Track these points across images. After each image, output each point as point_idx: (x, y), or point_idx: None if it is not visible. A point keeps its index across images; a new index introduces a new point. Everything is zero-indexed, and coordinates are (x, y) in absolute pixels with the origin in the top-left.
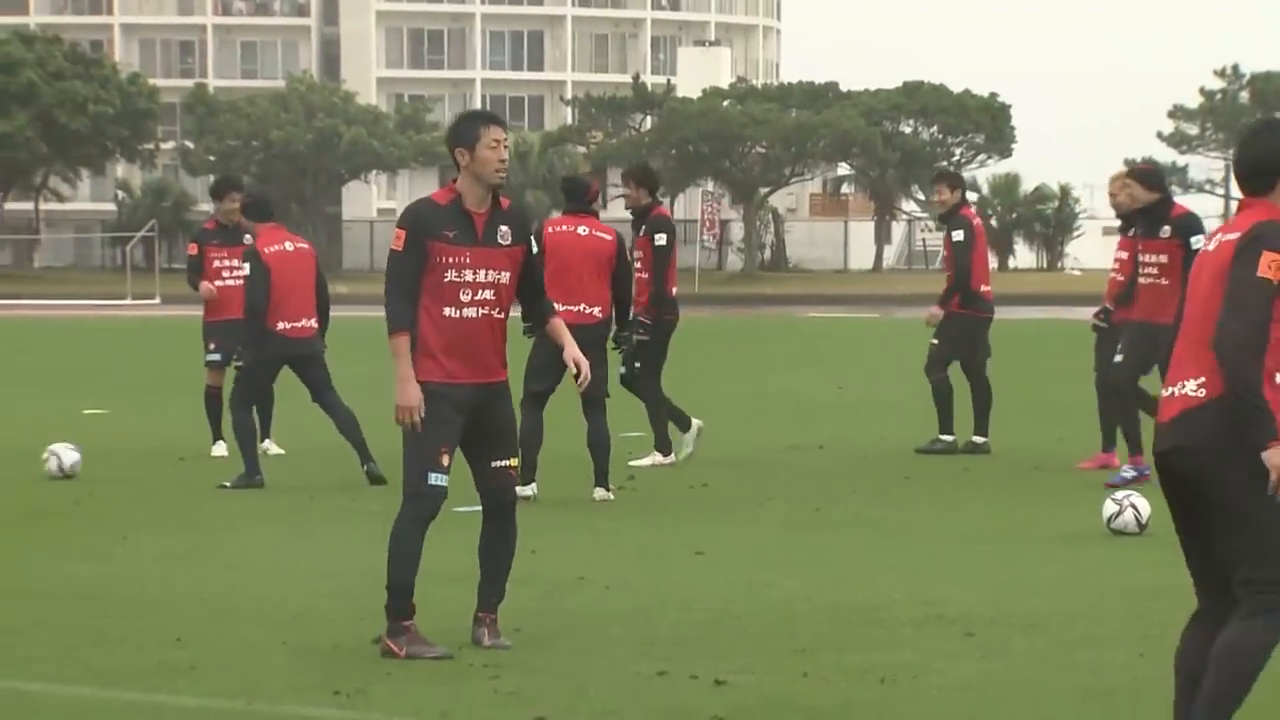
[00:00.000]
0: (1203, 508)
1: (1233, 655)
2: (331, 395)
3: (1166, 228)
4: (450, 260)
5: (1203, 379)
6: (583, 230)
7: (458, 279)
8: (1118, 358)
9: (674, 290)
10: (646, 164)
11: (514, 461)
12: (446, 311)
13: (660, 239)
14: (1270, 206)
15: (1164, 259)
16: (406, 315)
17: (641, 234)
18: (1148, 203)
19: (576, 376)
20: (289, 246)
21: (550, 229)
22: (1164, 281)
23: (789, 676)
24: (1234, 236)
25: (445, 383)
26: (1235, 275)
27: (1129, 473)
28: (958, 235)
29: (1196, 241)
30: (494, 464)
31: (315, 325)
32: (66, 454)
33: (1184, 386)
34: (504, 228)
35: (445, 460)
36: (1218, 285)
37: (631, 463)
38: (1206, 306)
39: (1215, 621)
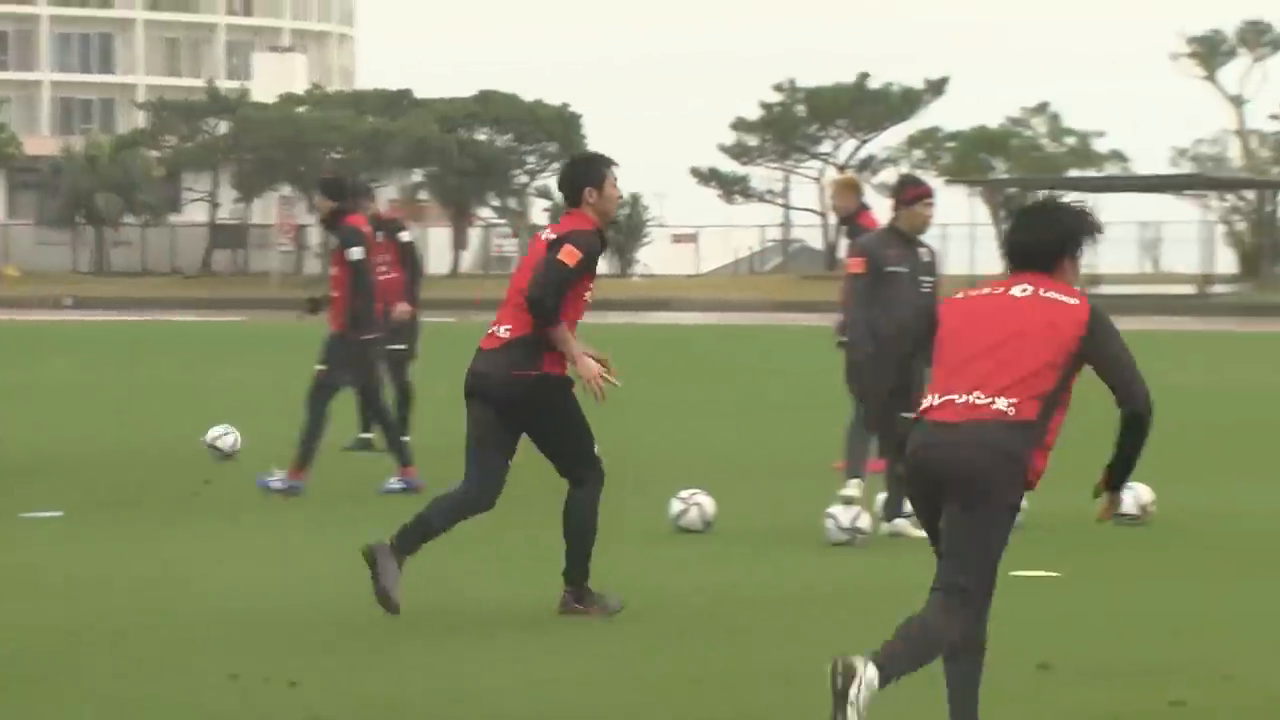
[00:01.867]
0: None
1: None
2: None
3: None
4: (590, 285)
5: (1015, 400)
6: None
7: (587, 298)
8: None
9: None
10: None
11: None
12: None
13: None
14: (1065, 284)
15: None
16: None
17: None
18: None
19: None
20: None
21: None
22: None
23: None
24: (1074, 302)
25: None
26: (1118, 348)
27: (395, 484)
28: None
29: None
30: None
31: None
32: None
33: (978, 398)
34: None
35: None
36: (1032, 329)
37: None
38: (1019, 343)
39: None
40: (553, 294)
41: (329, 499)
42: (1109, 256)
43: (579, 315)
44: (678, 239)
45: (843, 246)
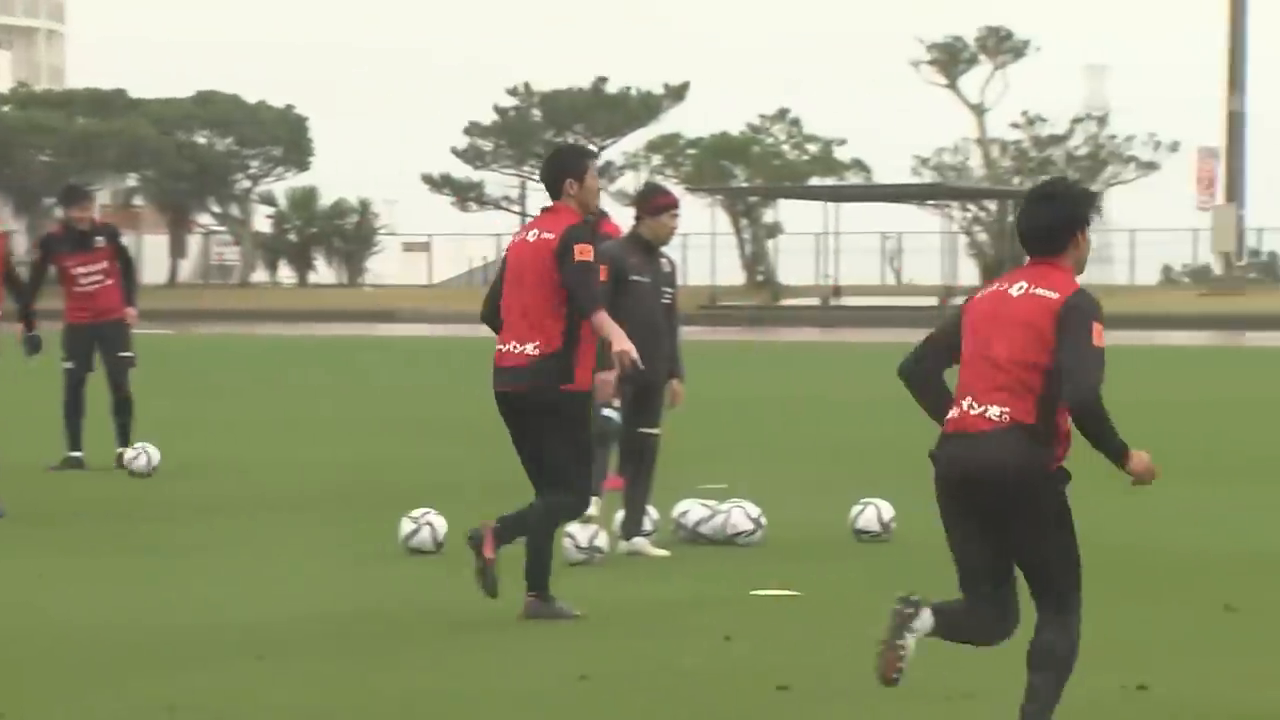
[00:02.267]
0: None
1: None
2: None
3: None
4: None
5: (1008, 409)
6: None
7: None
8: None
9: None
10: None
11: None
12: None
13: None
14: (1066, 269)
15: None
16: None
17: None
18: None
19: None
20: None
21: None
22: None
23: None
24: (1054, 295)
25: None
26: (1076, 341)
27: None
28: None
29: None
30: None
31: None
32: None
33: (985, 409)
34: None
35: None
36: (1019, 326)
37: None
38: (1009, 340)
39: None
40: (589, 288)
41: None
42: (850, 267)
43: None
44: (409, 248)
45: None
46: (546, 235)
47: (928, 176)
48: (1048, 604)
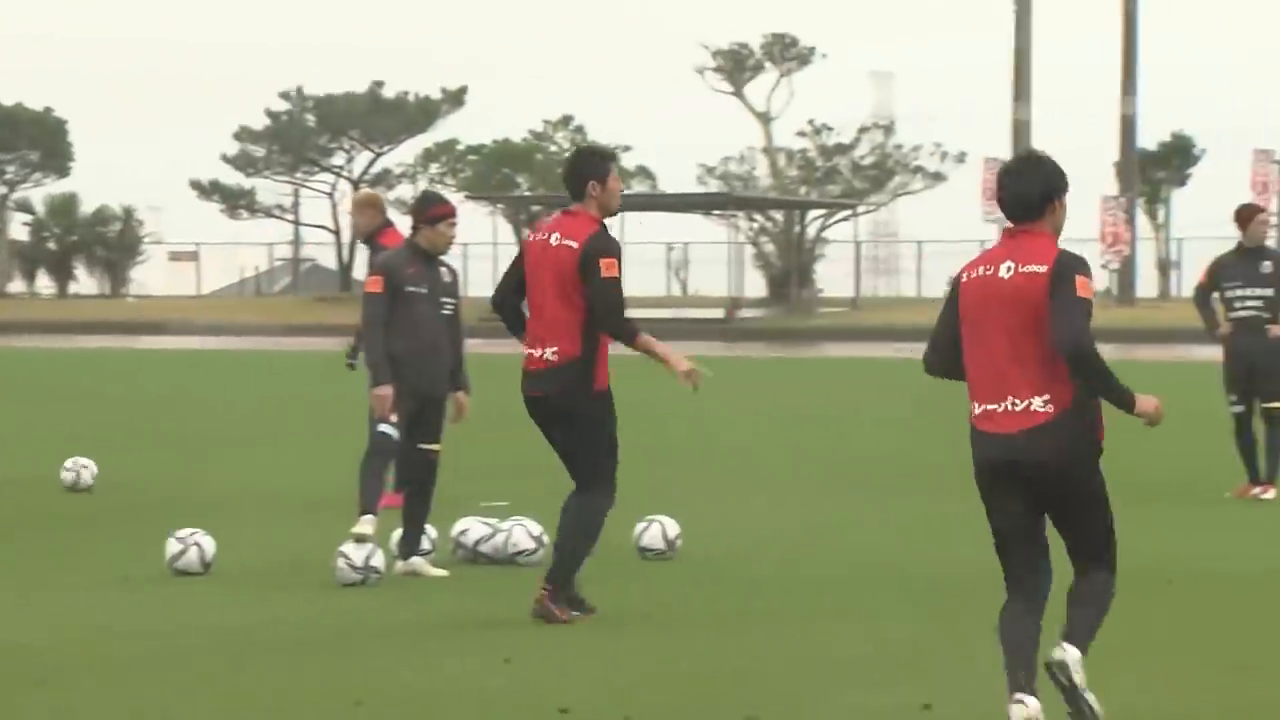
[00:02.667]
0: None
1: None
2: None
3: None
4: None
5: (1047, 395)
6: None
7: None
8: None
9: None
10: None
11: None
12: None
13: None
14: (1046, 234)
15: None
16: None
17: None
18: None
19: None
20: None
21: None
22: None
23: None
24: (1044, 269)
25: None
26: (1062, 294)
27: None
28: None
29: None
30: None
31: None
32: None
33: (1029, 404)
34: None
35: None
36: (1021, 309)
37: None
38: (1017, 331)
39: (1026, 598)
40: (618, 313)
41: None
42: (635, 278)
43: None
44: (176, 257)
45: (361, 266)
46: (568, 243)
47: (714, 186)
48: (1095, 563)
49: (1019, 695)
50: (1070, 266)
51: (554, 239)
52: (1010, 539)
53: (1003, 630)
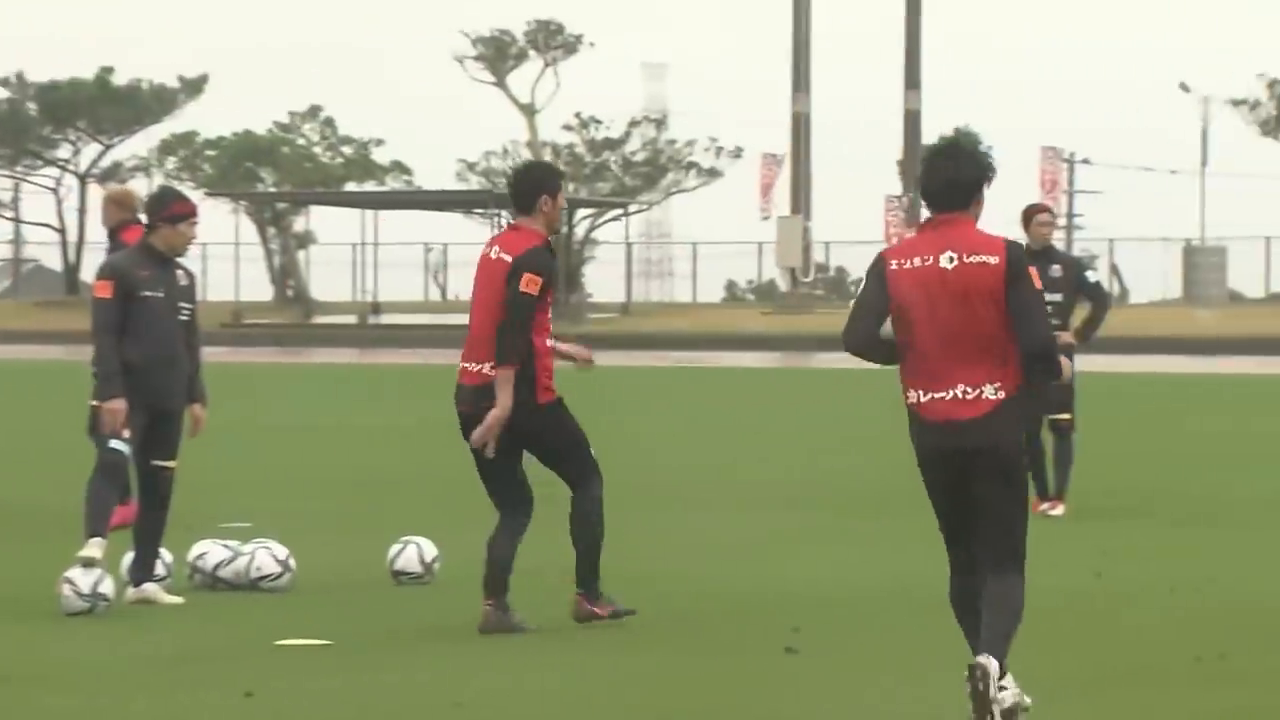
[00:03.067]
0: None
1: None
2: None
3: None
4: (551, 297)
5: (998, 383)
6: None
7: (549, 313)
8: None
9: None
10: None
11: None
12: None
13: None
14: (971, 222)
15: None
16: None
17: None
18: None
19: None
20: None
21: None
22: None
23: None
24: (995, 260)
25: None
26: (1020, 291)
27: None
28: None
29: None
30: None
31: None
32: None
33: (981, 392)
34: None
35: None
36: (971, 299)
37: None
38: (968, 321)
39: (972, 570)
40: (519, 332)
41: None
42: (390, 282)
43: (548, 330)
44: None
45: (90, 269)
46: (505, 256)
47: (474, 182)
48: (1011, 561)
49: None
50: (1022, 260)
51: (494, 252)
52: (956, 521)
53: (960, 604)
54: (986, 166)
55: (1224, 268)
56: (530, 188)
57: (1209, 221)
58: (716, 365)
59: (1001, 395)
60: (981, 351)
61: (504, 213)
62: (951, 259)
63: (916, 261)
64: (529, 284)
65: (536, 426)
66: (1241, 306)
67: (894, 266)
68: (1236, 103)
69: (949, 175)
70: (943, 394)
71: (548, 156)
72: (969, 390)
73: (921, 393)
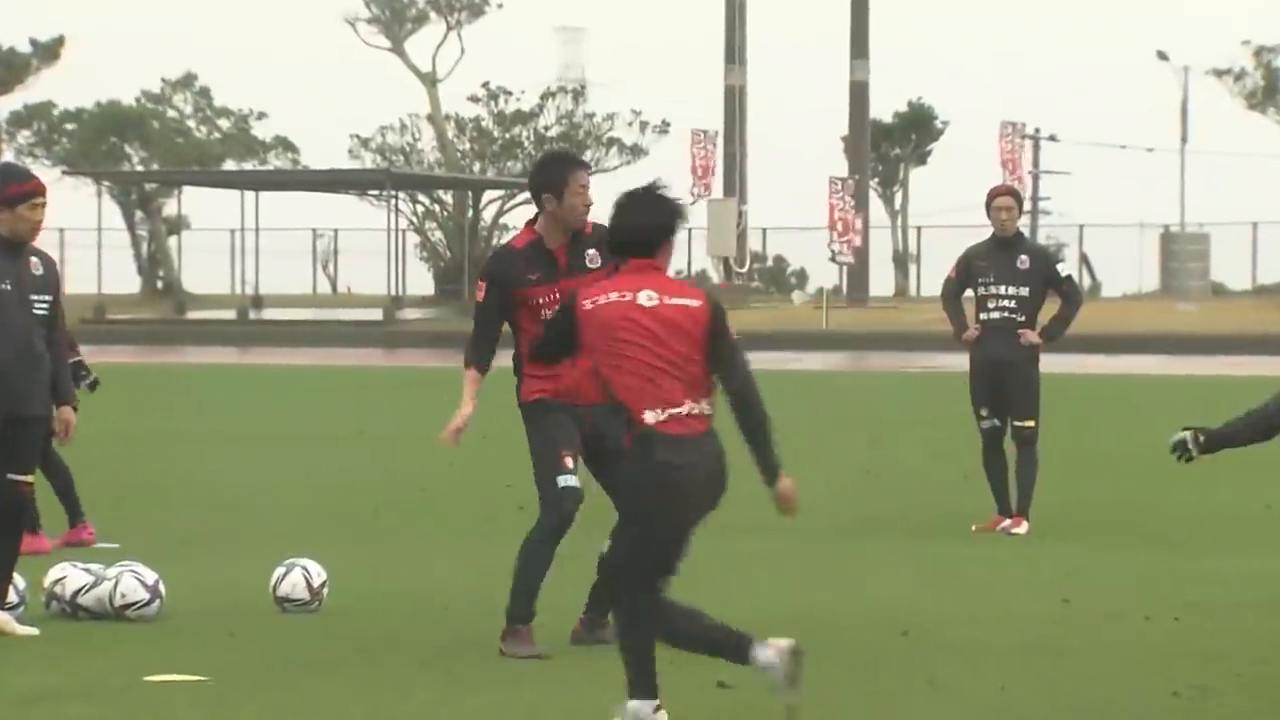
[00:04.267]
0: None
1: None
2: None
3: None
4: (541, 300)
5: (706, 401)
6: None
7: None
8: None
9: None
10: None
11: None
12: None
13: None
14: (663, 269)
15: None
16: (477, 354)
17: None
18: None
19: None
20: None
21: None
22: None
23: None
24: (695, 303)
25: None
26: (725, 339)
27: None
28: None
29: None
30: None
31: None
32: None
33: (700, 408)
34: (590, 251)
35: (570, 463)
36: (674, 339)
37: None
38: (669, 357)
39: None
40: (473, 337)
41: None
42: (274, 273)
43: (531, 332)
44: None
45: None
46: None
47: (369, 161)
48: (668, 581)
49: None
50: (724, 311)
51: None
52: (681, 544)
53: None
54: (673, 216)
55: (1206, 257)
56: (533, 186)
57: (1189, 206)
58: None
59: (710, 413)
60: (695, 380)
61: (401, 194)
62: (652, 297)
63: (613, 296)
64: (478, 289)
65: (524, 422)
66: (1225, 300)
67: (587, 305)
68: (1219, 73)
69: (635, 223)
70: (678, 409)
71: (450, 132)
72: (694, 407)
73: (648, 412)
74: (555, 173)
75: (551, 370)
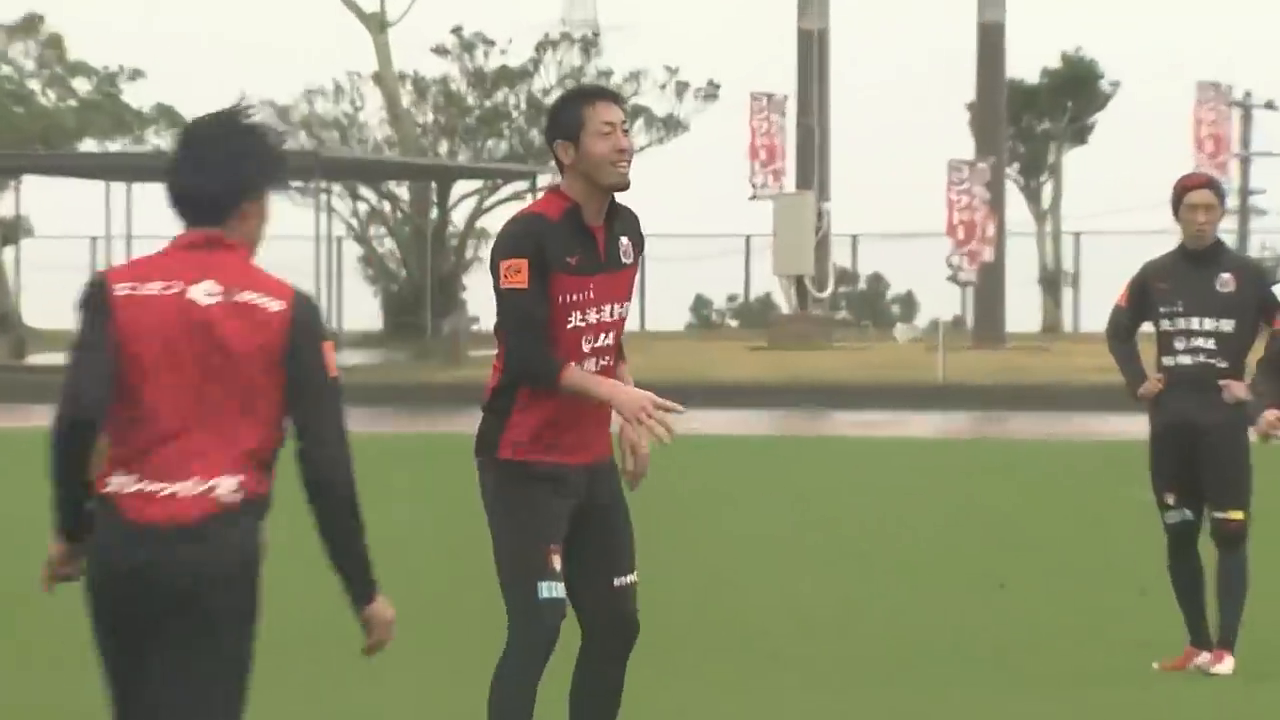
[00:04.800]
0: None
1: None
2: None
3: None
4: (573, 299)
5: (240, 478)
6: None
7: (581, 323)
8: None
9: None
10: None
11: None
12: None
13: None
14: (239, 248)
15: None
16: (555, 352)
17: None
18: None
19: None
20: None
21: None
22: None
23: None
24: (275, 305)
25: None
26: (312, 380)
27: None
28: None
29: None
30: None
31: None
32: None
33: (215, 485)
34: (624, 241)
35: (556, 563)
36: (225, 355)
37: None
38: (213, 382)
39: None
40: (515, 340)
41: None
42: None
43: (578, 341)
44: None
45: None
46: None
47: (290, 140)
48: None
49: None
50: (318, 330)
51: None
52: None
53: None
54: (258, 163)
55: None
56: (546, 138)
57: None
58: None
59: (238, 497)
60: (229, 430)
61: (335, 187)
62: (211, 293)
63: (157, 287)
64: (506, 275)
65: (483, 490)
66: None
67: (117, 294)
68: None
69: (193, 176)
70: (165, 484)
71: (407, 98)
72: (201, 481)
73: (129, 481)
74: (568, 111)
75: (548, 409)
